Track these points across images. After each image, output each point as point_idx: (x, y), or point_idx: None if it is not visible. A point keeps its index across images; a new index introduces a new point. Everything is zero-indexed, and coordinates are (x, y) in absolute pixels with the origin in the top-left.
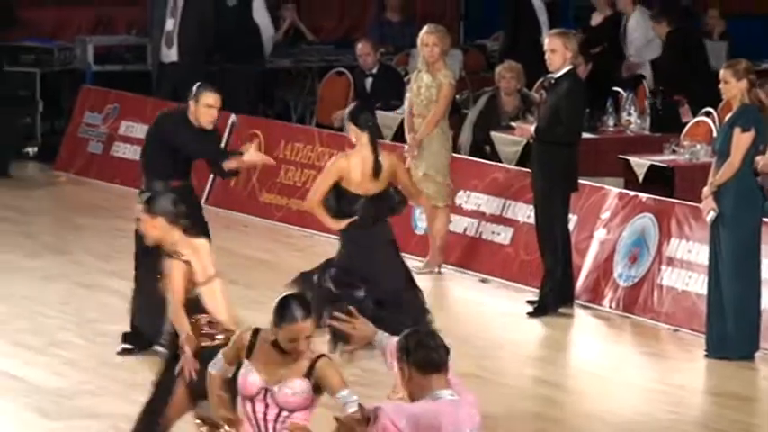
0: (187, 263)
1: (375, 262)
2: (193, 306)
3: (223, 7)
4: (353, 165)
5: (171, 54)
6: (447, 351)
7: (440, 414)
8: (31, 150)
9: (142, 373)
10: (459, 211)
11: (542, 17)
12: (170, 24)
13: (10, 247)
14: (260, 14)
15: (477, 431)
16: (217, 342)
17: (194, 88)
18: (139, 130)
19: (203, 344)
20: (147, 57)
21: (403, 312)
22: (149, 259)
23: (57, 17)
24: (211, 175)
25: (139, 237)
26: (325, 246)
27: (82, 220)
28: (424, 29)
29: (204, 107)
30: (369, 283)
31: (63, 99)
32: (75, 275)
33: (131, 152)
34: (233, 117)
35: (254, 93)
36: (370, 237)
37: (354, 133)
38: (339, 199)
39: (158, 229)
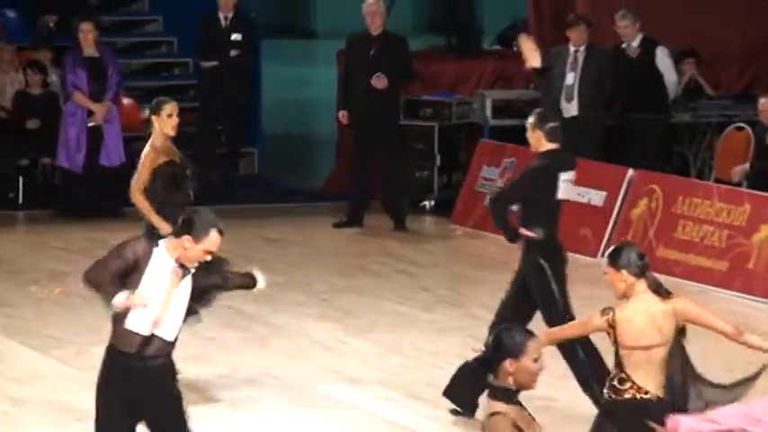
0: (610, 324)
1: None
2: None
3: (626, 60)
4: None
5: (571, 108)
6: None
7: None
8: (428, 204)
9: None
10: None
11: None
12: (570, 78)
13: (406, 300)
14: (663, 65)
15: None
16: (616, 399)
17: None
18: None
19: (612, 397)
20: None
21: None
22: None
23: (457, 71)
24: (609, 229)
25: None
26: (720, 302)
27: (478, 274)
28: None
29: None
30: None
31: (460, 153)
32: (471, 329)
33: None
34: (630, 172)
35: (656, 146)
36: None
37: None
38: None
39: (624, 282)
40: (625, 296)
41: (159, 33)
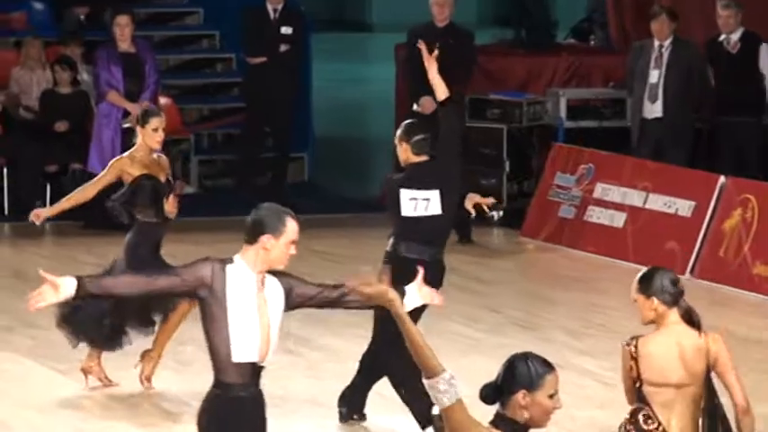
0: (632, 356)
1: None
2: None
3: (724, 55)
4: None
5: (655, 109)
6: None
7: None
8: (496, 215)
9: None
10: None
11: None
12: (654, 76)
13: (473, 322)
14: (766, 62)
15: None
16: None
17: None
18: (617, 194)
19: None
20: (627, 111)
21: None
22: None
23: (528, 67)
24: (698, 243)
25: None
26: None
27: (551, 293)
28: None
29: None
30: None
31: (532, 158)
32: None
33: (607, 217)
34: (722, 179)
35: (753, 151)
36: None
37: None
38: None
39: (654, 311)
40: (653, 323)
41: (200, 26)
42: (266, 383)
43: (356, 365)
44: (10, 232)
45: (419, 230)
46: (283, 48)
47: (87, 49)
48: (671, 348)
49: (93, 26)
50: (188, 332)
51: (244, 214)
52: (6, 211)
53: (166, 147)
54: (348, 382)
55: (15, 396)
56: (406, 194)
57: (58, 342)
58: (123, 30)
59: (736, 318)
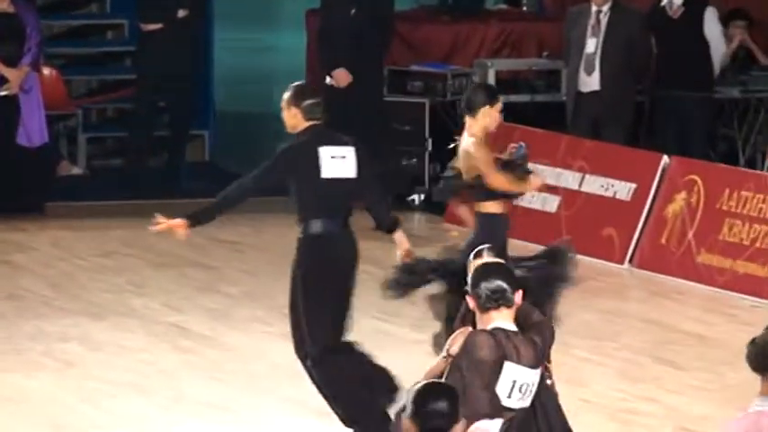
0: None
1: None
2: None
3: (665, 18)
4: None
5: (591, 82)
6: None
7: None
8: (417, 198)
9: None
10: None
11: None
12: (591, 45)
13: (390, 316)
14: (712, 31)
15: None
16: None
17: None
18: (550, 175)
19: None
20: (562, 85)
21: None
22: None
23: (453, 36)
24: (638, 230)
25: None
26: None
27: None
28: None
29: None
30: None
31: (457, 136)
32: None
33: (539, 201)
34: (665, 160)
35: (700, 128)
36: None
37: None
38: None
39: None
40: None
41: None
42: (160, 385)
43: (262, 365)
44: None
45: (336, 197)
46: (181, 13)
47: None
48: None
49: None
50: (73, 329)
51: (135, 198)
52: None
53: (50, 123)
54: (252, 382)
55: None
56: (326, 152)
57: None
58: None
59: (679, 311)
